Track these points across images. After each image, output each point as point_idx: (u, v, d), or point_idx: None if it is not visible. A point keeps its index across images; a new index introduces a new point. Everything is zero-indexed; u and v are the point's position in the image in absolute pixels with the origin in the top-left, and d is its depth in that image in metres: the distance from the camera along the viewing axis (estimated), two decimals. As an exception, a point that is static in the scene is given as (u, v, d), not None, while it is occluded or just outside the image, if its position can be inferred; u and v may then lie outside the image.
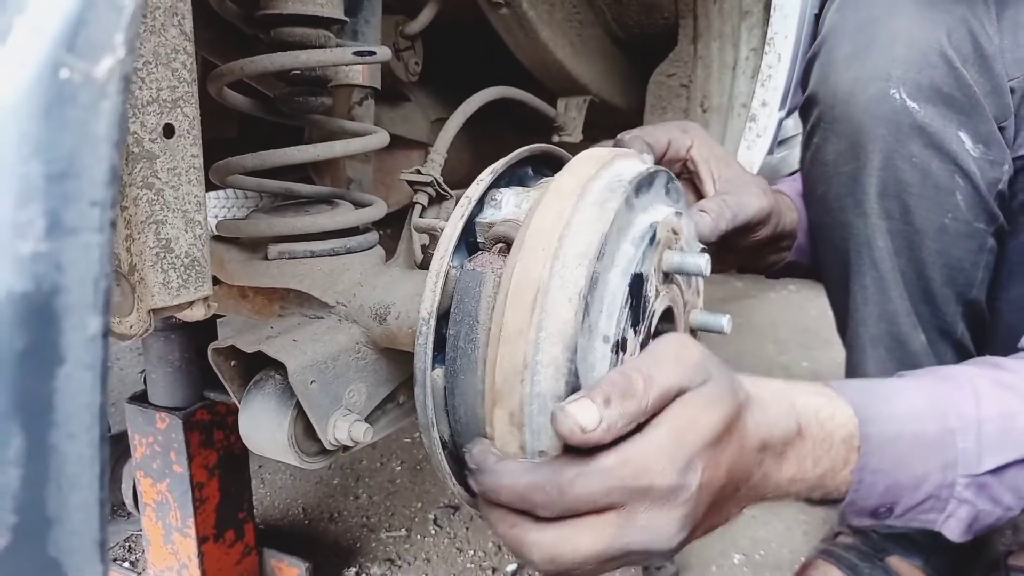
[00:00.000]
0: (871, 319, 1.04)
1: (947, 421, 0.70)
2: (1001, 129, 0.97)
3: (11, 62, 0.20)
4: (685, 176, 0.98)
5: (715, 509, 0.58)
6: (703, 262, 0.63)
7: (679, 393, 0.56)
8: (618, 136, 0.92)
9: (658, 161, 0.93)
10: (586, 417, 0.51)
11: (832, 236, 1.06)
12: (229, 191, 2.43)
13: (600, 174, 0.63)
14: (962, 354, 1.05)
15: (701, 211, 0.90)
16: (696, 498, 0.54)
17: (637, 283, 0.61)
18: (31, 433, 0.22)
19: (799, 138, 1.27)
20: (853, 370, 1.10)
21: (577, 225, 0.59)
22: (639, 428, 0.54)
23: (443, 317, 0.65)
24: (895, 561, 1.15)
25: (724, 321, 0.70)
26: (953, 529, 0.71)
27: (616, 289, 0.59)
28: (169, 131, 0.61)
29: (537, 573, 1.27)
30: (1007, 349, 0.96)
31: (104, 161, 0.22)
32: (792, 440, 0.63)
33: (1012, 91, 0.96)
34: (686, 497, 0.53)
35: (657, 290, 0.65)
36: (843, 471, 0.67)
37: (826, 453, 0.66)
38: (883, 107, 0.94)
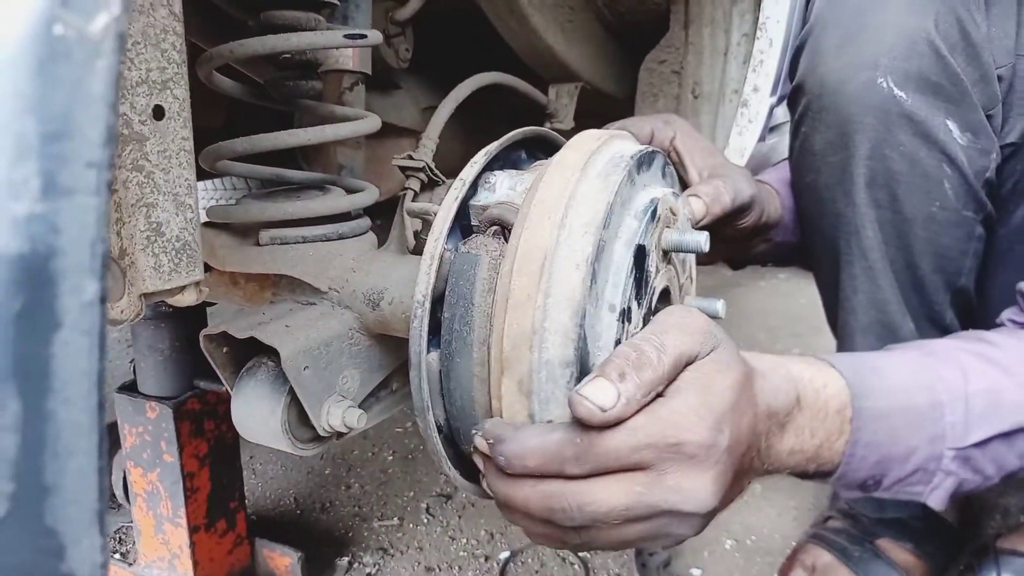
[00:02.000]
0: (861, 308, 1.04)
1: (936, 395, 0.72)
2: (989, 117, 0.97)
3: (4, 17, 0.20)
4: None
5: (737, 477, 0.57)
6: (703, 239, 0.64)
7: (690, 361, 0.56)
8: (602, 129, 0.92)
9: None
10: (603, 396, 0.51)
11: (821, 226, 1.06)
12: (218, 182, 2.42)
13: (601, 150, 0.64)
14: None
15: (693, 195, 0.90)
16: (726, 460, 0.54)
17: (640, 255, 0.61)
18: (27, 399, 0.22)
19: (789, 125, 1.27)
20: None
21: (582, 196, 0.59)
22: (656, 397, 0.54)
23: (437, 300, 0.65)
24: (885, 544, 1.16)
25: (719, 305, 0.70)
26: (938, 499, 0.73)
27: (621, 259, 0.60)
28: (159, 113, 0.61)
29: (529, 561, 1.27)
30: None
31: (100, 121, 0.22)
32: (792, 410, 0.64)
33: (1000, 79, 0.97)
34: (717, 457, 0.53)
35: (657, 267, 0.65)
36: (837, 442, 0.68)
37: (822, 424, 0.66)
38: (871, 96, 0.94)
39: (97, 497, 0.24)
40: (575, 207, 0.58)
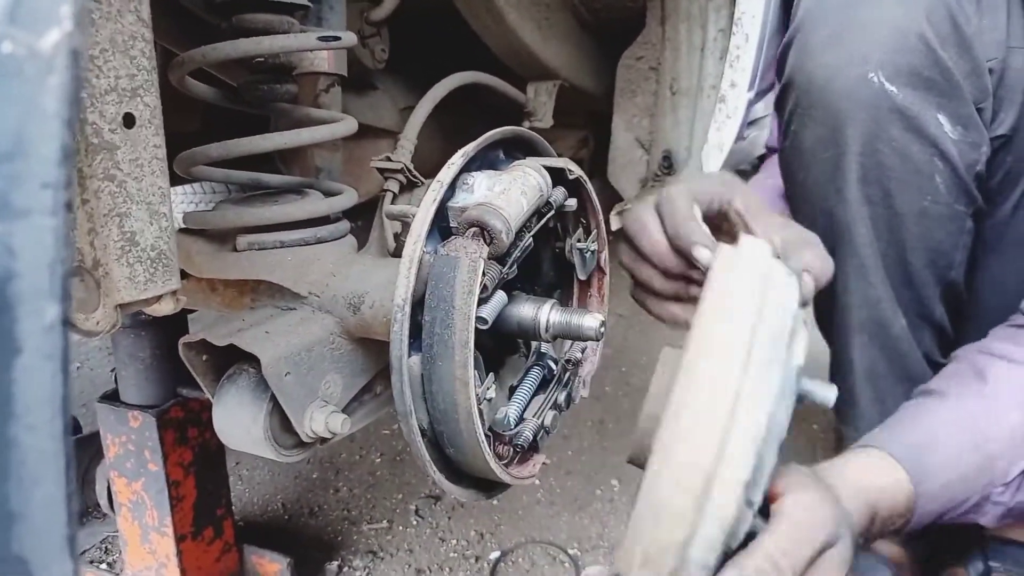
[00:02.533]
0: (853, 306, 1.04)
1: (987, 450, 0.81)
2: (979, 110, 0.97)
3: (-50, 36, 0.19)
4: (726, 228, 0.93)
5: None
6: (832, 395, 0.60)
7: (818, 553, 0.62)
8: (663, 192, 0.86)
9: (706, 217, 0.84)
10: None
11: (813, 225, 1.05)
12: (195, 186, 2.39)
13: (758, 328, 0.55)
14: (940, 335, 1.07)
15: (805, 270, 0.84)
16: None
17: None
18: (-12, 426, 0.21)
19: (767, 119, 1.27)
20: (838, 356, 1.10)
21: (746, 400, 0.53)
22: None
23: (418, 304, 0.64)
24: None
25: (832, 394, 0.63)
26: (990, 520, 0.83)
27: (770, 460, 0.56)
28: (129, 121, 0.60)
29: (520, 560, 1.28)
30: (985, 328, 0.98)
31: (54, 139, 0.21)
32: (868, 526, 0.74)
33: (990, 71, 0.96)
34: None
35: None
36: (900, 523, 0.79)
37: (891, 523, 0.78)
38: (862, 91, 0.93)
39: (66, 523, 0.23)
40: (740, 418, 0.53)
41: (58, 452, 0.23)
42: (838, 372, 1.10)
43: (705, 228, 0.73)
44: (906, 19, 0.92)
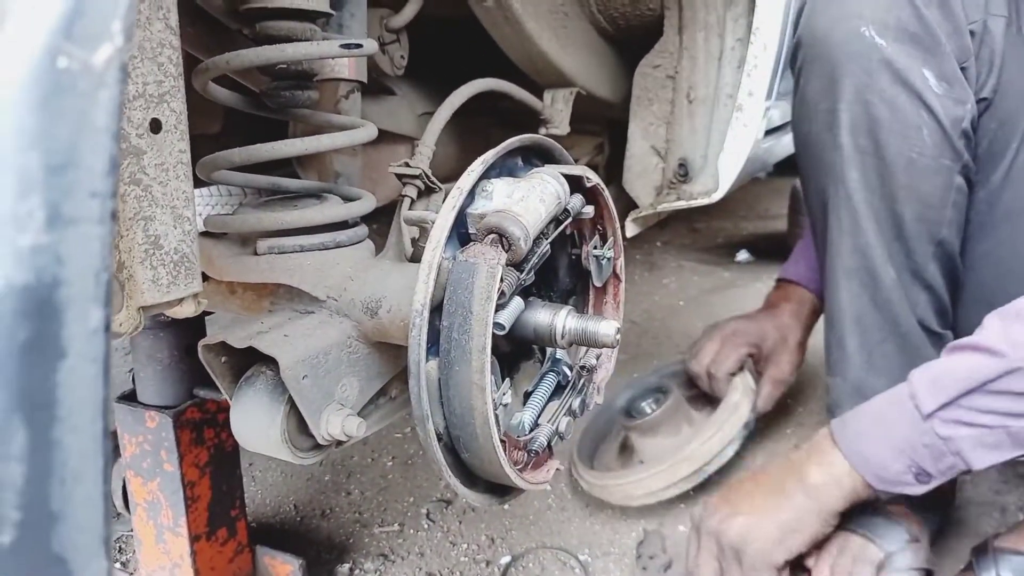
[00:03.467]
0: (845, 251, 1.10)
1: (899, 396, 0.96)
2: (963, 69, 1.03)
3: (8, 50, 0.20)
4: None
5: None
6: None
7: None
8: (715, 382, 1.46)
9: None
10: None
11: (814, 175, 1.13)
12: (214, 189, 2.41)
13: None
14: (934, 298, 1.11)
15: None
16: None
17: None
18: (34, 428, 0.22)
19: (786, 127, 1.28)
20: (829, 301, 1.16)
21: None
22: None
23: (436, 309, 0.65)
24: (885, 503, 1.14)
25: None
26: (977, 461, 0.92)
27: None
28: (156, 126, 0.61)
29: (530, 565, 1.28)
30: (980, 303, 1.04)
31: (104, 151, 0.22)
32: None
33: (972, 34, 1.03)
34: None
35: None
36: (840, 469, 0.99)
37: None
38: (855, 44, 1.01)
39: (103, 523, 0.24)
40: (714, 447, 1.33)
41: (97, 453, 0.23)
42: (829, 320, 1.17)
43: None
44: None
